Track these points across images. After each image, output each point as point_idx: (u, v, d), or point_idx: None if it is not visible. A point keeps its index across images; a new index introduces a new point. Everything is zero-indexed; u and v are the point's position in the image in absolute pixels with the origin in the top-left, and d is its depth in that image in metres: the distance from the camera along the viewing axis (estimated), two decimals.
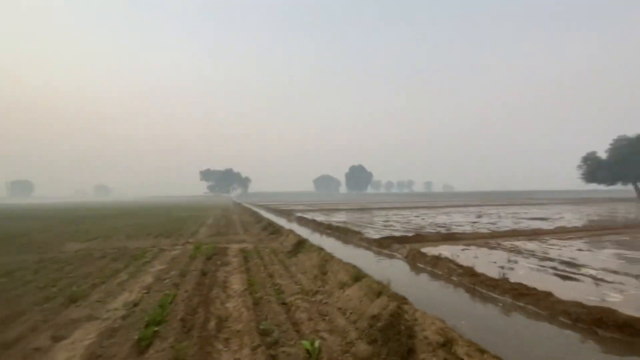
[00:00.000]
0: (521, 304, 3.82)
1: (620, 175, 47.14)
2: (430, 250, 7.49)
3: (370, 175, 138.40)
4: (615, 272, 5.39)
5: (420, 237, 9.19)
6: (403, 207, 30.46)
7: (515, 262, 6.23)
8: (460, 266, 5.20)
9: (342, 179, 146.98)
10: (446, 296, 4.31)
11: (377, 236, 9.53)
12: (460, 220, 15.38)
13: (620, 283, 4.76)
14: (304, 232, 11.94)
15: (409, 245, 7.68)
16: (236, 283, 5.19)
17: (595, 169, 49.48)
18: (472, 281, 4.66)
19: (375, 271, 5.48)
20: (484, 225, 13.16)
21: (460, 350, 2.48)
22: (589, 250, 7.36)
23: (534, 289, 3.87)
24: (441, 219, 16.59)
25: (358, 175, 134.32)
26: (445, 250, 7.48)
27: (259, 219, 17.32)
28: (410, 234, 9.61)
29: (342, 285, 4.63)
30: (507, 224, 13.61)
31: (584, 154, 51.50)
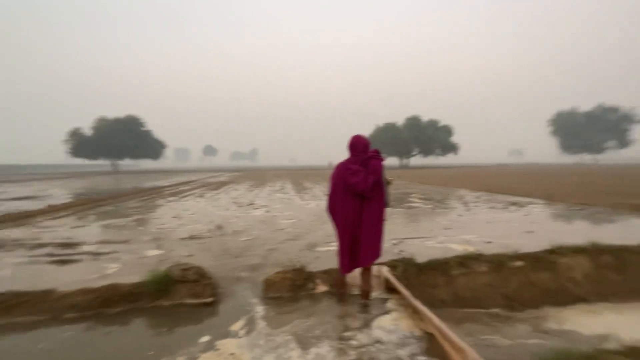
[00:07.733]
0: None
1: (101, 152, 53.38)
2: None
3: None
4: (109, 242, 5.81)
5: None
6: None
7: None
8: None
9: None
10: None
11: None
12: None
13: (115, 251, 5.17)
14: None
15: None
16: None
17: (80, 144, 52.00)
18: None
19: None
20: None
21: None
22: (84, 226, 7.38)
23: (28, 292, 3.05)
24: None
25: None
26: None
27: None
28: None
29: None
30: None
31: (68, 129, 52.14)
